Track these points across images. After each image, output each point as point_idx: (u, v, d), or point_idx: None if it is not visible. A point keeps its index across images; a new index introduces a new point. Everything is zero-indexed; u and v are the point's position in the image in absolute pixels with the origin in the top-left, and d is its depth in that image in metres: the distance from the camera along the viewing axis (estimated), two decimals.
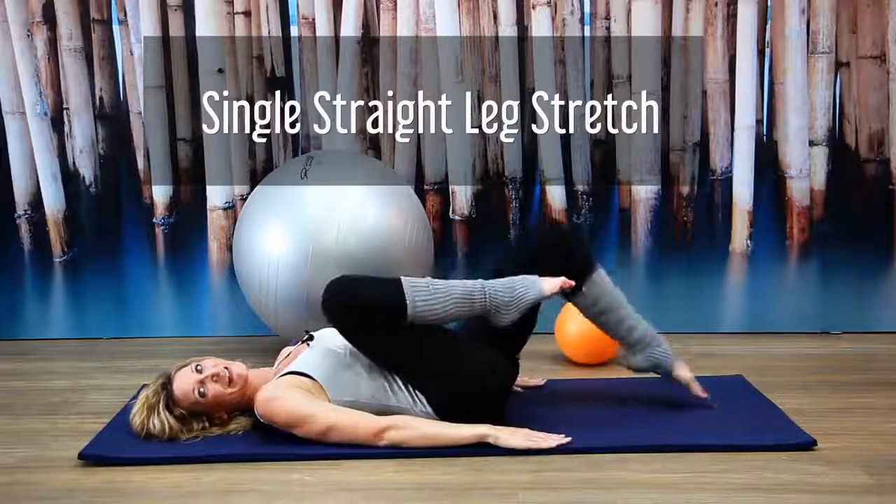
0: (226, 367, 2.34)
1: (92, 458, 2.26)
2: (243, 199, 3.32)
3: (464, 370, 2.33)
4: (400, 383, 2.35)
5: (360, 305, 2.27)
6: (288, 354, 2.52)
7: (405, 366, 2.34)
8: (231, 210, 3.38)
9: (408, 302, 2.25)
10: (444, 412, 2.33)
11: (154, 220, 3.42)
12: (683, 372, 2.51)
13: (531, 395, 2.67)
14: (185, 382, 2.33)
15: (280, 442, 2.27)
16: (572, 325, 2.96)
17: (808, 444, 2.26)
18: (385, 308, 2.26)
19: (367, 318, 2.28)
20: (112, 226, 3.45)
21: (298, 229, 2.79)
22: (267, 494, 2.09)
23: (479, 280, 2.37)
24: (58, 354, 3.27)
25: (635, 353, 2.50)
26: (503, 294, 2.34)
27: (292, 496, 2.08)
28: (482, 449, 2.24)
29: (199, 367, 2.34)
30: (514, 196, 3.39)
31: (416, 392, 2.34)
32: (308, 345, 2.47)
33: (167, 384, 2.34)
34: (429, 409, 2.33)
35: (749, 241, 3.35)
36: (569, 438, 2.27)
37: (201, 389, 2.32)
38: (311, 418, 2.23)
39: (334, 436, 2.24)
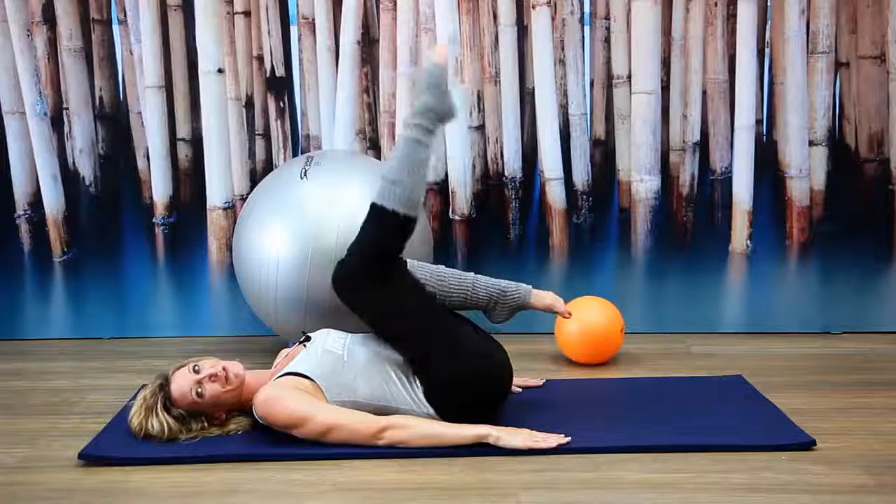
0: (223, 368, 2.35)
1: (92, 458, 2.26)
2: (243, 199, 3.32)
3: (465, 356, 2.33)
4: (398, 383, 2.35)
5: (367, 256, 2.35)
6: (286, 355, 2.52)
7: (410, 338, 2.35)
8: (231, 210, 3.38)
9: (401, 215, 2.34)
10: (441, 403, 2.32)
11: (154, 220, 3.42)
12: (539, 300, 2.56)
13: (531, 395, 2.67)
14: (182, 383, 2.33)
15: (280, 442, 2.28)
16: (572, 325, 2.96)
17: (807, 444, 2.26)
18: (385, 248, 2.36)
19: (375, 270, 2.34)
20: (112, 226, 3.45)
21: (298, 229, 2.79)
22: (267, 494, 2.09)
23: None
24: (58, 354, 3.27)
25: (491, 313, 2.54)
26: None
27: (292, 496, 2.08)
28: (482, 449, 2.24)
29: (196, 368, 2.34)
30: (514, 196, 3.39)
31: (414, 380, 2.34)
32: (305, 346, 2.47)
33: (165, 385, 2.35)
34: (429, 408, 2.33)
35: (749, 241, 3.35)
36: (569, 438, 2.28)
37: (199, 390, 2.32)
38: (310, 419, 2.24)
39: (334, 436, 2.24)
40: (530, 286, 2.57)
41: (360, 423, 2.25)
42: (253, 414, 2.32)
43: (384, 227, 2.33)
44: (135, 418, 2.33)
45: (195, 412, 2.34)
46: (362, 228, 2.38)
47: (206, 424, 2.35)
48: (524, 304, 2.55)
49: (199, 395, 2.32)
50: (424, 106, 2.35)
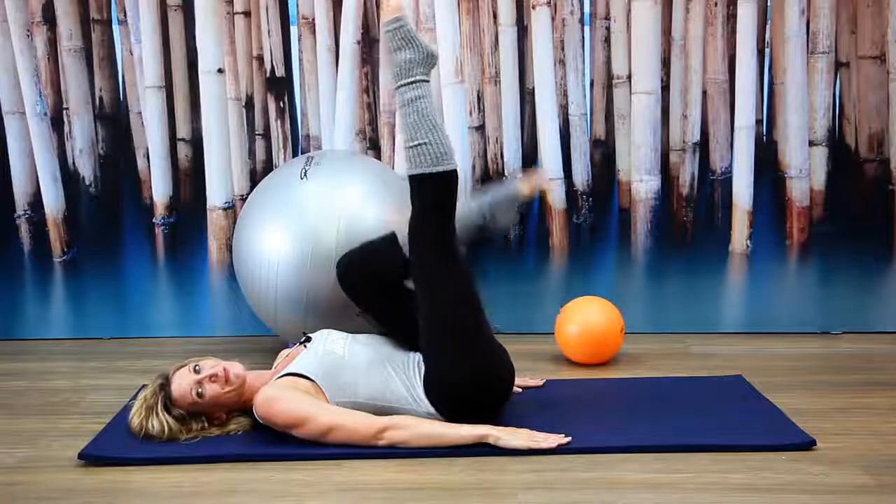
0: (224, 368, 2.34)
1: (92, 458, 2.26)
2: (243, 199, 3.32)
3: (472, 353, 2.32)
4: (398, 383, 2.35)
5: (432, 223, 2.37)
6: (287, 356, 2.52)
7: (435, 320, 2.34)
8: (231, 210, 3.38)
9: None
10: (439, 399, 2.31)
11: (154, 220, 3.42)
12: (527, 183, 2.71)
13: (531, 395, 2.67)
14: (182, 383, 2.33)
15: (280, 442, 2.28)
16: (572, 326, 2.96)
17: (807, 444, 2.26)
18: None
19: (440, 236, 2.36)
20: (112, 226, 3.45)
21: (298, 229, 2.79)
22: (267, 494, 2.09)
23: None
24: (58, 354, 3.27)
25: (495, 223, 2.70)
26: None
27: (292, 496, 2.08)
28: (482, 449, 2.24)
29: (196, 368, 2.34)
30: None
31: (415, 378, 2.34)
32: (305, 346, 2.47)
33: (165, 385, 2.34)
34: (429, 408, 2.32)
35: (749, 241, 3.35)
36: (569, 438, 2.28)
37: (199, 390, 2.32)
38: (310, 419, 2.23)
39: (334, 436, 2.24)
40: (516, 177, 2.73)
41: (360, 424, 2.25)
42: (253, 414, 2.32)
43: (435, 191, 2.33)
44: (135, 418, 2.33)
45: (195, 412, 2.34)
46: (413, 203, 2.37)
47: (206, 424, 2.35)
48: (516, 194, 2.69)
49: (200, 395, 2.32)
50: (408, 62, 2.36)
